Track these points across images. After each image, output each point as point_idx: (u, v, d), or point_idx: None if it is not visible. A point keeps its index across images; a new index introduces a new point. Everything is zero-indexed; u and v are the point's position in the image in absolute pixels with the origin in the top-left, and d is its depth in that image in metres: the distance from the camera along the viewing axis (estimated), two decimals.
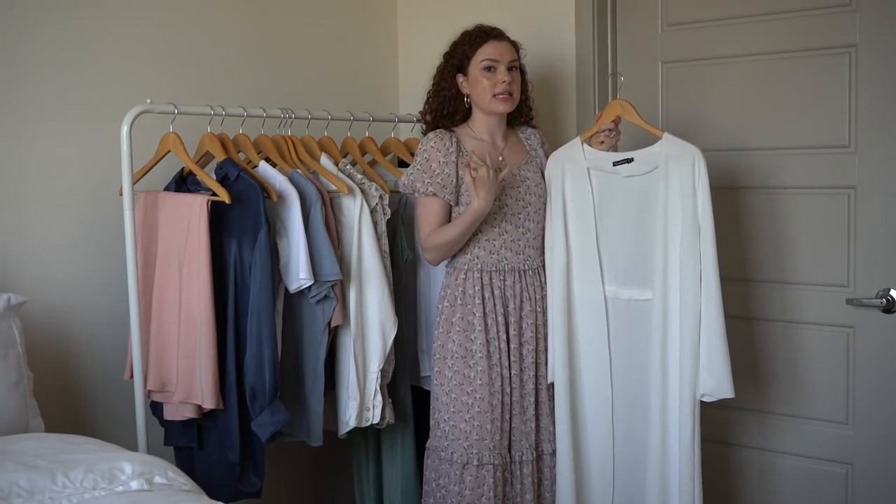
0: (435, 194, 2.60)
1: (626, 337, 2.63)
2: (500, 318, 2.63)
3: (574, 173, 2.65)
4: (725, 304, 2.51)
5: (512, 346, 2.64)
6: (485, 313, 2.61)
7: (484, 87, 2.62)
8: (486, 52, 2.63)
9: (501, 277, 2.64)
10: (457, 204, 2.62)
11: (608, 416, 2.65)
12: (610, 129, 2.67)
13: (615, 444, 2.66)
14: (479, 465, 2.59)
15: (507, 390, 2.63)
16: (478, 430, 2.59)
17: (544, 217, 2.69)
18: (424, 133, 2.77)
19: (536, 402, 2.69)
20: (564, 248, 2.65)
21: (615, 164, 2.62)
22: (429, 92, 2.74)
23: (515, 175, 2.67)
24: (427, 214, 2.63)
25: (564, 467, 2.64)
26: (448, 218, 2.64)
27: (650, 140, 2.61)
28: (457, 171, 2.61)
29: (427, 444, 2.72)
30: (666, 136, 2.58)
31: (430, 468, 2.69)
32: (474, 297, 2.61)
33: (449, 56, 2.68)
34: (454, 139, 2.64)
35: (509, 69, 2.64)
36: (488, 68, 2.62)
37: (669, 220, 2.53)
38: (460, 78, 2.66)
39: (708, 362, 2.50)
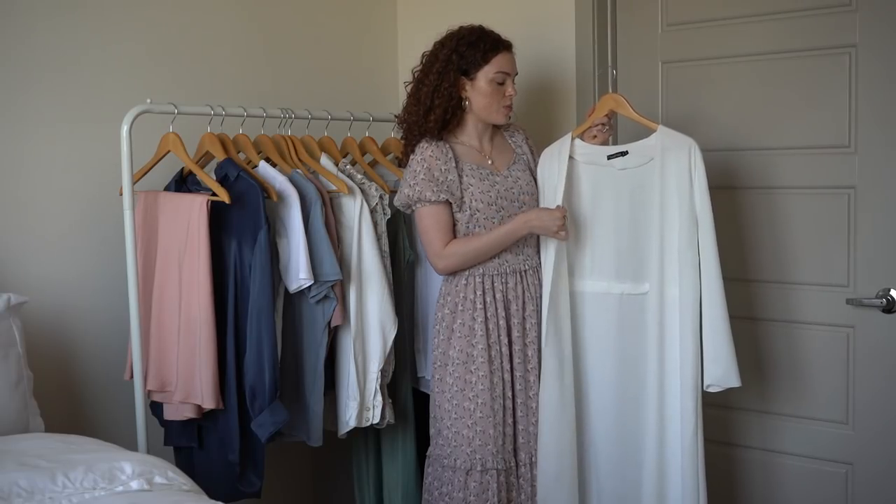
0: (447, 200, 2.57)
1: (619, 332, 2.61)
2: (502, 322, 2.62)
3: (564, 168, 2.63)
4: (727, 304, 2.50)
5: (516, 347, 2.63)
6: (486, 318, 2.60)
7: (493, 98, 2.60)
8: (501, 63, 2.59)
9: (503, 280, 2.63)
10: (460, 209, 2.60)
11: (570, 416, 2.59)
12: (603, 124, 2.66)
13: (598, 443, 2.63)
14: (483, 471, 2.57)
15: (509, 394, 2.62)
16: (480, 435, 2.58)
17: None
18: (405, 138, 2.68)
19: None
20: (554, 243, 2.64)
21: (609, 157, 2.61)
22: (424, 94, 2.61)
23: (508, 177, 2.67)
24: (438, 223, 2.58)
25: (543, 467, 2.60)
26: (453, 224, 2.62)
27: (646, 134, 2.61)
28: (458, 177, 2.60)
29: (428, 453, 2.70)
30: (661, 128, 2.57)
31: (431, 476, 2.67)
32: (475, 303, 2.60)
33: (458, 57, 2.58)
34: (448, 146, 2.62)
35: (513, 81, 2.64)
36: (501, 81, 2.60)
37: (666, 213, 2.52)
38: (463, 80, 2.60)
39: (713, 352, 2.48)
